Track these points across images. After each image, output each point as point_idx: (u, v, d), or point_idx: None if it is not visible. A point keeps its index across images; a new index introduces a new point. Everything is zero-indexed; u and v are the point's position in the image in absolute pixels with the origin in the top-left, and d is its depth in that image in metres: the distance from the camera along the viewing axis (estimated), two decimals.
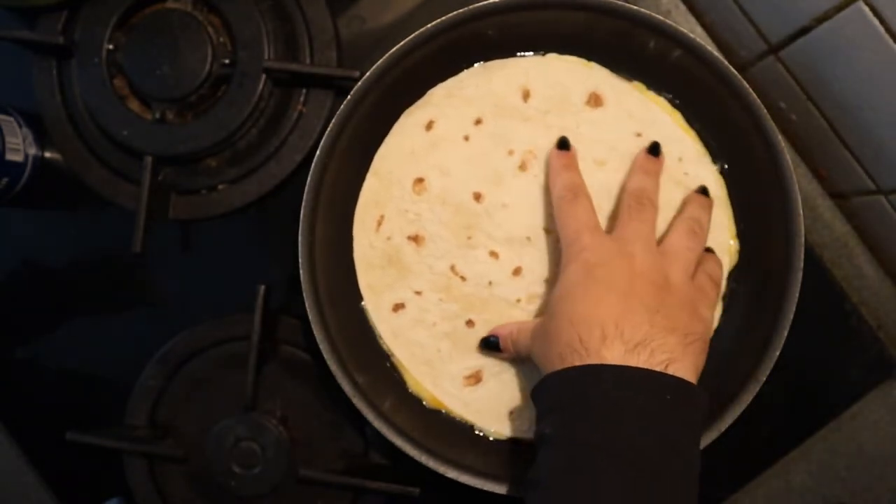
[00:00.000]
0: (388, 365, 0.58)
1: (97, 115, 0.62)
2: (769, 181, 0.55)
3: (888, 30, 0.50)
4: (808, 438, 0.65)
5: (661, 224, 0.55)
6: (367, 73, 0.55)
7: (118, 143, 0.62)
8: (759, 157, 0.56)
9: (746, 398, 0.54)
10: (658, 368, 0.44)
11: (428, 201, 0.57)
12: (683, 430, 0.44)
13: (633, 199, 0.53)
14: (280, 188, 0.64)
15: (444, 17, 0.55)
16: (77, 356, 0.68)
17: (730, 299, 0.58)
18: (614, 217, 0.56)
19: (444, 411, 0.58)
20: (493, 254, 0.57)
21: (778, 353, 0.54)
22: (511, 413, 0.57)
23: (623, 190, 0.55)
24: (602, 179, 0.56)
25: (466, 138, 0.57)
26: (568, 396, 0.45)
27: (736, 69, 0.55)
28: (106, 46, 0.61)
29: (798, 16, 0.57)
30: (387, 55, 0.55)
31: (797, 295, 0.54)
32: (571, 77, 0.57)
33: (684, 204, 0.56)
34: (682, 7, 0.65)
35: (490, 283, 0.57)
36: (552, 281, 0.56)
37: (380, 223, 0.58)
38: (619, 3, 0.55)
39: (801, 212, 0.54)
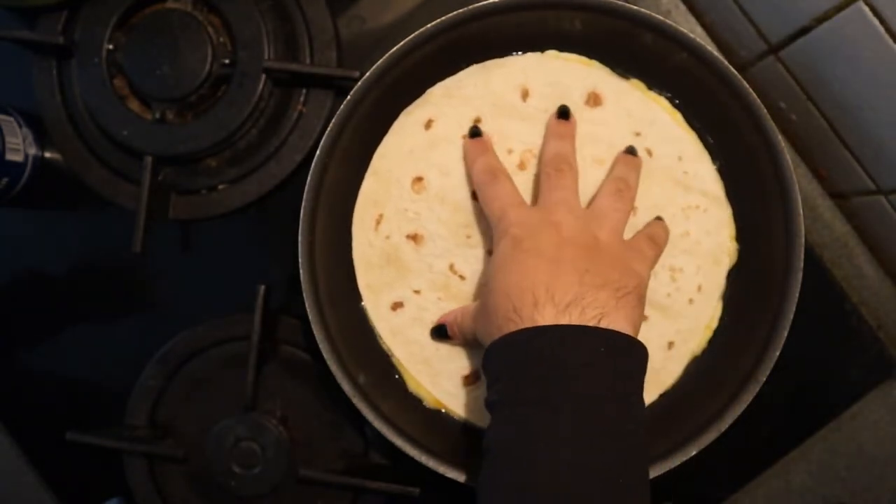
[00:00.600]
0: (388, 365, 0.58)
1: (97, 115, 0.62)
2: (769, 181, 0.55)
3: (888, 30, 0.50)
4: (808, 438, 0.65)
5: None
6: (367, 73, 0.55)
7: (118, 143, 0.62)
8: (759, 157, 0.56)
9: (746, 398, 0.54)
10: (591, 324, 0.45)
11: (427, 200, 0.57)
12: (621, 378, 0.45)
13: (552, 167, 0.54)
14: (280, 188, 0.64)
15: (443, 17, 0.55)
16: (77, 356, 0.68)
17: (730, 299, 0.58)
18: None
19: (443, 411, 0.58)
20: (492, 253, 0.57)
21: (778, 353, 0.54)
22: None
23: (540, 158, 0.56)
24: (600, 178, 0.56)
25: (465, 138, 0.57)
26: (506, 363, 0.46)
27: (736, 69, 0.55)
28: (106, 46, 0.62)
29: (798, 16, 0.57)
30: (387, 55, 0.55)
31: (797, 295, 0.54)
32: (570, 76, 0.57)
33: (613, 164, 0.56)
34: (682, 7, 0.65)
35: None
36: None
37: (379, 222, 0.58)
38: (619, 3, 0.55)
39: (801, 212, 0.54)
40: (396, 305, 0.58)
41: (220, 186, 0.64)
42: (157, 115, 0.61)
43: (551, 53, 0.57)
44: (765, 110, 0.54)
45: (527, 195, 0.56)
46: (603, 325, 0.45)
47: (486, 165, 0.55)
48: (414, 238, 0.57)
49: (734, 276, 0.58)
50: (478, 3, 0.55)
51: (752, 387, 0.54)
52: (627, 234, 0.56)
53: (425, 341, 0.57)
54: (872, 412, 0.65)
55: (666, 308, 0.57)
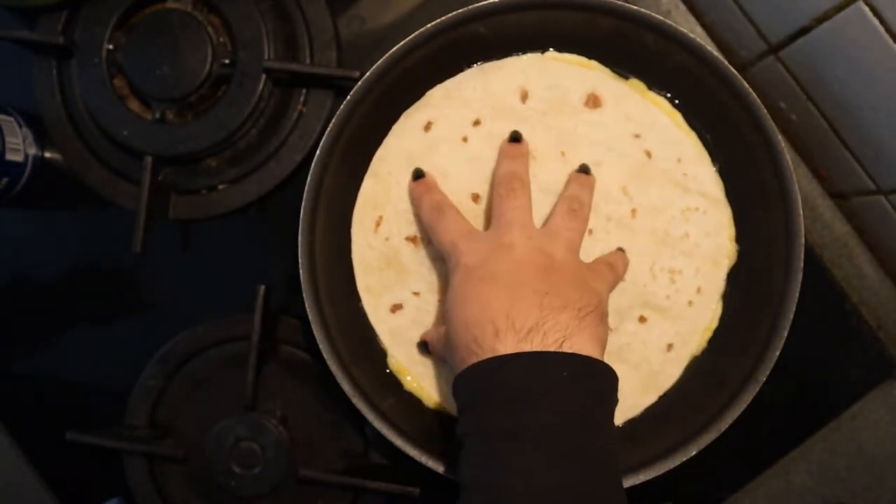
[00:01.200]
0: (388, 365, 0.58)
1: (97, 115, 0.62)
2: (769, 181, 0.55)
3: (888, 30, 0.50)
4: (808, 438, 0.65)
5: (651, 224, 0.56)
6: (367, 74, 0.55)
7: (118, 143, 0.62)
8: (759, 157, 0.55)
9: (746, 398, 0.54)
10: (552, 348, 0.45)
11: None
12: (588, 402, 0.45)
13: (504, 187, 0.53)
14: (280, 188, 0.64)
15: (443, 18, 0.55)
16: (77, 356, 0.68)
17: (730, 300, 0.58)
18: (613, 220, 0.56)
19: (443, 412, 0.58)
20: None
21: (778, 353, 0.54)
22: None
23: (492, 180, 0.55)
24: (599, 180, 0.56)
25: (465, 139, 0.57)
26: (472, 394, 0.46)
27: (736, 69, 0.55)
28: (106, 46, 0.61)
29: (798, 16, 0.57)
30: (387, 55, 0.55)
31: (797, 295, 0.54)
32: (570, 78, 0.57)
33: (566, 183, 0.56)
34: (682, 7, 0.64)
35: None
36: None
37: (378, 224, 0.58)
38: (619, 3, 0.55)
39: (801, 212, 0.54)
40: (396, 308, 0.58)
41: (220, 186, 0.64)
42: (157, 115, 0.61)
43: (551, 54, 0.57)
44: (765, 110, 0.54)
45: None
46: (566, 348, 0.45)
47: (431, 202, 0.55)
48: (413, 240, 0.57)
49: (734, 276, 0.58)
50: (478, 3, 0.55)
51: (752, 387, 0.54)
52: (625, 234, 0.56)
53: None
54: (872, 412, 0.65)
55: (665, 310, 0.57)
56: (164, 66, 0.61)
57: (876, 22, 0.51)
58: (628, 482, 0.53)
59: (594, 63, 0.57)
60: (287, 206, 0.61)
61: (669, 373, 0.58)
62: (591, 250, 0.56)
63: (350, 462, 0.64)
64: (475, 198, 0.57)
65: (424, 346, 0.57)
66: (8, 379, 0.68)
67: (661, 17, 0.55)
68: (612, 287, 0.54)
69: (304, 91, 0.64)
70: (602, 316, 0.49)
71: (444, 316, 0.51)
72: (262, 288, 0.61)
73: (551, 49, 0.57)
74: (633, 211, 0.56)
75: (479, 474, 0.44)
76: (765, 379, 0.54)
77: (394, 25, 0.65)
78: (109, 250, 0.67)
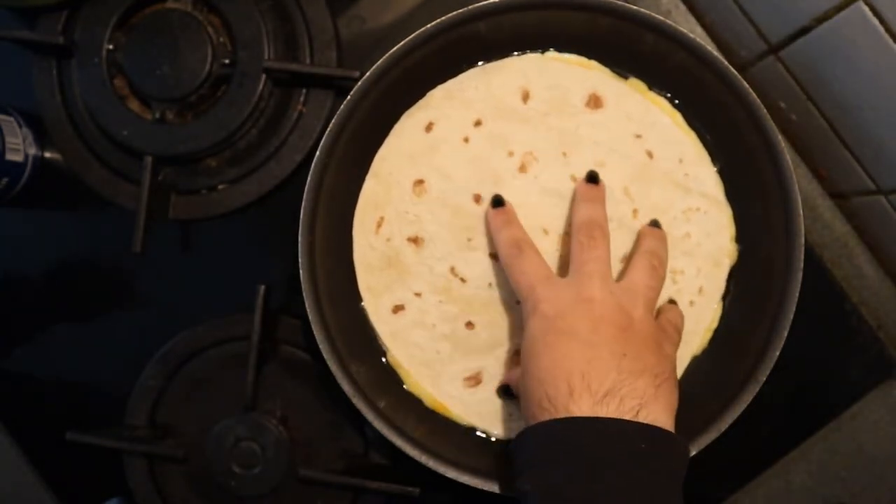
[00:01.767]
0: (388, 365, 0.58)
1: (97, 115, 0.62)
2: (769, 181, 0.55)
3: (888, 30, 0.50)
4: (808, 438, 0.65)
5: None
6: (367, 74, 0.55)
7: (118, 143, 0.62)
8: (759, 157, 0.56)
9: (746, 398, 0.54)
10: (629, 416, 0.43)
11: (428, 203, 0.57)
12: (660, 478, 0.43)
13: (584, 234, 0.51)
14: (280, 188, 0.64)
15: (443, 18, 0.55)
16: (77, 356, 0.68)
17: (730, 299, 0.58)
18: (614, 220, 0.56)
19: (444, 412, 0.58)
20: (494, 256, 0.57)
21: (778, 353, 0.54)
22: (511, 414, 0.57)
23: (571, 224, 0.54)
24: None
25: (466, 140, 0.57)
26: (541, 454, 0.45)
27: (736, 69, 0.55)
28: (106, 46, 0.61)
29: (798, 16, 0.57)
30: (387, 55, 0.55)
31: (797, 295, 0.54)
32: (571, 78, 0.57)
33: (640, 238, 0.55)
34: (682, 7, 0.65)
35: (490, 284, 0.57)
36: None
37: (379, 225, 0.58)
38: (620, 3, 0.55)
39: (801, 212, 0.54)
40: (397, 308, 0.58)
41: (220, 186, 0.64)
42: (157, 115, 0.61)
43: (551, 54, 0.57)
44: (765, 110, 0.54)
45: (528, 198, 0.56)
46: (641, 416, 0.44)
47: (511, 239, 0.53)
48: (415, 241, 0.57)
49: (734, 276, 0.58)
50: (478, 3, 0.55)
51: (752, 387, 0.54)
52: (626, 235, 0.56)
53: (426, 344, 0.57)
54: (872, 412, 0.65)
55: None
56: (164, 66, 0.61)
57: (876, 22, 0.51)
58: None
59: (594, 63, 0.57)
60: (287, 206, 0.61)
61: None
62: None
63: (350, 462, 0.64)
64: (477, 198, 0.57)
65: (505, 390, 0.57)
66: (8, 379, 0.68)
67: (661, 17, 0.55)
68: (677, 349, 0.53)
69: (304, 91, 0.64)
70: (676, 384, 0.48)
71: (521, 362, 0.50)
72: (262, 288, 0.61)
73: (552, 49, 0.57)
74: (635, 211, 0.56)
75: None
76: (765, 379, 0.54)
77: (394, 25, 0.65)
78: (109, 250, 0.67)
